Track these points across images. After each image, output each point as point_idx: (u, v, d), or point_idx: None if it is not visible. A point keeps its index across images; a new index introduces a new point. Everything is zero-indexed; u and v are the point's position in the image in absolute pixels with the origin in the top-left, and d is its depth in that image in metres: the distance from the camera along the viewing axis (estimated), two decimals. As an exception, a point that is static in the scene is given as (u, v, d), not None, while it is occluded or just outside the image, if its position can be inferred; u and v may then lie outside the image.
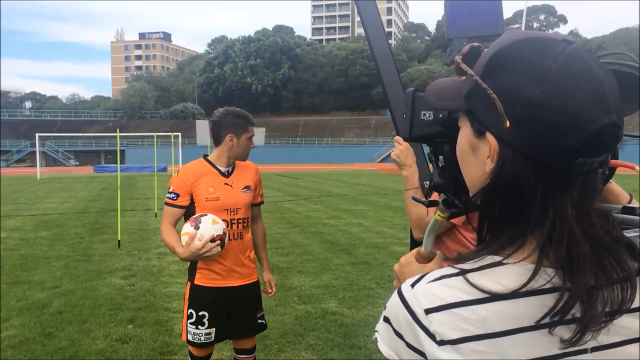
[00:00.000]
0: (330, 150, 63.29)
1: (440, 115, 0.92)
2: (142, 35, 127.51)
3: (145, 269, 7.27)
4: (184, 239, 2.79)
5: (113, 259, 7.89)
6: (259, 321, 3.16)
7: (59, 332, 4.81)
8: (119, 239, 9.03)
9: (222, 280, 2.98)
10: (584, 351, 0.68)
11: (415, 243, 2.34)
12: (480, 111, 0.71)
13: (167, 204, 2.97)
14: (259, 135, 64.30)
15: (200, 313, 2.96)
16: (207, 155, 3.08)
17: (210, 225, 2.78)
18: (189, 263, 3.05)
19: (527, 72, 0.67)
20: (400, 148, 2.24)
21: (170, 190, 2.95)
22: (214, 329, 2.98)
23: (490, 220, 0.73)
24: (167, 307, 5.50)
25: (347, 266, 7.34)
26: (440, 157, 0.93)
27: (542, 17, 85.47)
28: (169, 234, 2.92)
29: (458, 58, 0.74)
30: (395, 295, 0.75)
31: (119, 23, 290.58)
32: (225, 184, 2.98)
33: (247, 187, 3.05)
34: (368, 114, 73.80)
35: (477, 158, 0.74)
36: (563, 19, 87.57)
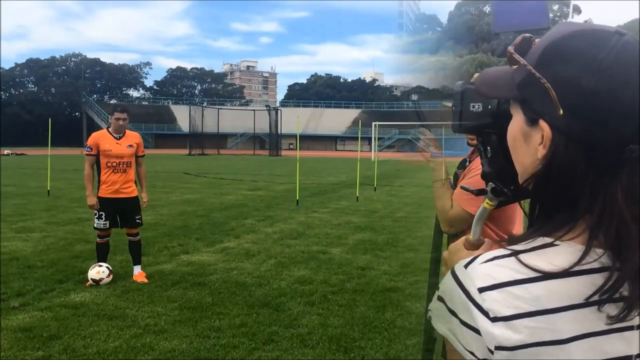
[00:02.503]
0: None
1: (489, 107, 0.94)
2: None
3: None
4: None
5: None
6: (137, 220, 6.08)
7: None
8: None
9: (114, 194, 5.92)
10: (630, 328, 0.71)
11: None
12: (533, 99, 0.74)
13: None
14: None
15: (100, 213, 5.91)
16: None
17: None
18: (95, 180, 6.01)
19: (582, 63, 0.69)
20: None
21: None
22: (108, 222, 5.94)
23: (542, 204, 0.77)
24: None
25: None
26: (488, 148, 0.96)
27: (555, 7, 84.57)
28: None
29: (511, 48, 0.76)
30: (449, 275, 0.78)
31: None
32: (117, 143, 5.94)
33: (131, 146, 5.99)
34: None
35: (528, 145, 0.76)
36: (577, 9, 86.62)
